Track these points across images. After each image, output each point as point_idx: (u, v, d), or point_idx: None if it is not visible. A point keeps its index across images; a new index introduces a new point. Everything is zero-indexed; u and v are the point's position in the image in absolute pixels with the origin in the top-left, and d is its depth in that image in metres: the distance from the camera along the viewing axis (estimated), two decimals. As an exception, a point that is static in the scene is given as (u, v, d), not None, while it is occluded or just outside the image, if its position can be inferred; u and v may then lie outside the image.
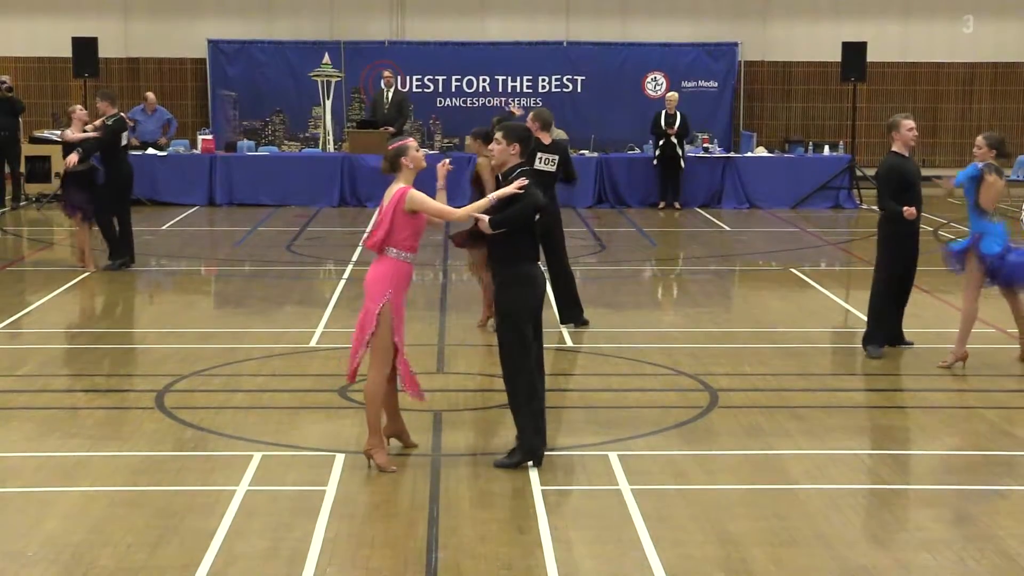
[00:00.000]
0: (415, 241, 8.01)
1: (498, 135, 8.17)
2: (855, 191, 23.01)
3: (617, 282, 15.45)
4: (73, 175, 15.36)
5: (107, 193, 15.54)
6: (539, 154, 11.93)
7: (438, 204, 8.07)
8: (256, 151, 23.22)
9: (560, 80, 25.81)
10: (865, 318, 11.48)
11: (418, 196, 7.92)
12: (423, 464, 8.13)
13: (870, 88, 25.64)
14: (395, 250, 7.96)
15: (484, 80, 25.77)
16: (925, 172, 12.09)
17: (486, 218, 7.91)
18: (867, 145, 25.41)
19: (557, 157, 12.08)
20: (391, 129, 22.27)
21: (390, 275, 7.95)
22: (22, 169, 22.52)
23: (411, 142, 8.09)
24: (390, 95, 23.06)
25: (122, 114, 16.07)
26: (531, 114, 12.32)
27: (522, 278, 8.03)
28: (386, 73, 23.41)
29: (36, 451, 8.44)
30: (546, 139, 12.13)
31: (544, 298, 8.22)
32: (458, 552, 6.74)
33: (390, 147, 8.04)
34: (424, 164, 8.05)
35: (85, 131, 15.57)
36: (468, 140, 12.33)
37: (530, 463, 7.99)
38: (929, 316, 12.68)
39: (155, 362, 11.13)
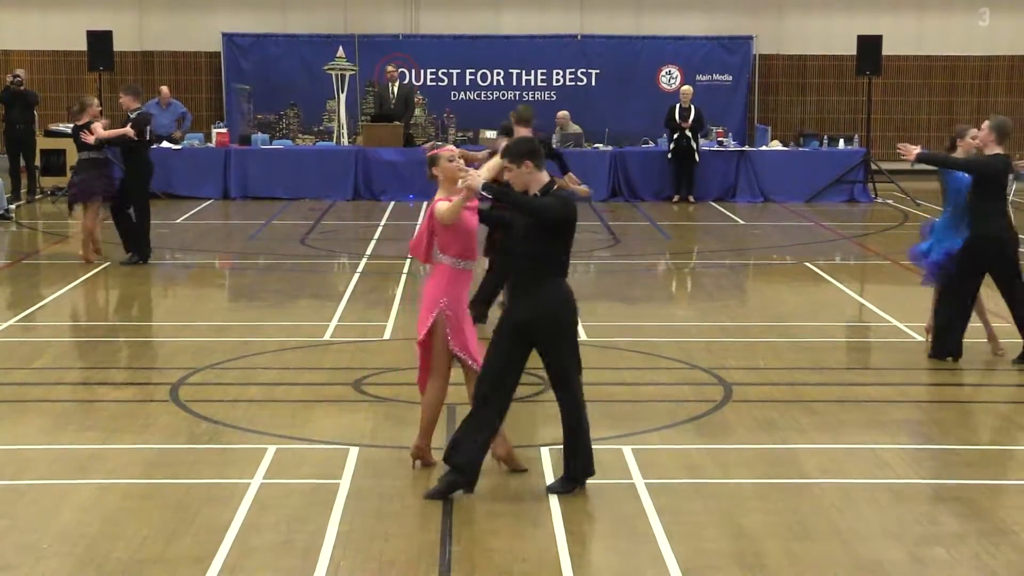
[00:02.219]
0: (465, 247, 7.69)
1: (505, 161, 7.54)
2: (870, 185, 22.96)
3: (631, 276, 15.45)
4: (90, 165, 15.38)
5: (127, 188, 15.57)
6: None
7: (446, 206, 7.57)
8: (270, 144, 23.25)
9: (574, 73, 25.81)
10: (883, 314, 11.46)
11: (444, 210, 7.54)
12: (436, 457, 8.11)
13: (885, 81, 25.58)
14: (447, 257, 7.69)
15: (498, 74, 25.76)
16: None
17: (478, 178, 7.40)
18: (882, 139, 25.35)
19: None
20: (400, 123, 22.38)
21: (443, 284, 7.71)
22: (37, 162, 22.58)
23: (445, 151, 7.78)
24: (395, 89, 23.07)
25: (142, 109, 16.03)
26: (512, 115, 12.28)
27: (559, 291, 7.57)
28: (389, 68, 23.43)
29: (51, 443, 8.47)
30: (521, 135, 11.80)
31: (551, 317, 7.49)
32: (472, 545, 6.76)
33: (427, 153, 7.85)
34: (460, 176, 7.51)
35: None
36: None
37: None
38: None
39: (169, 355, 11.16)
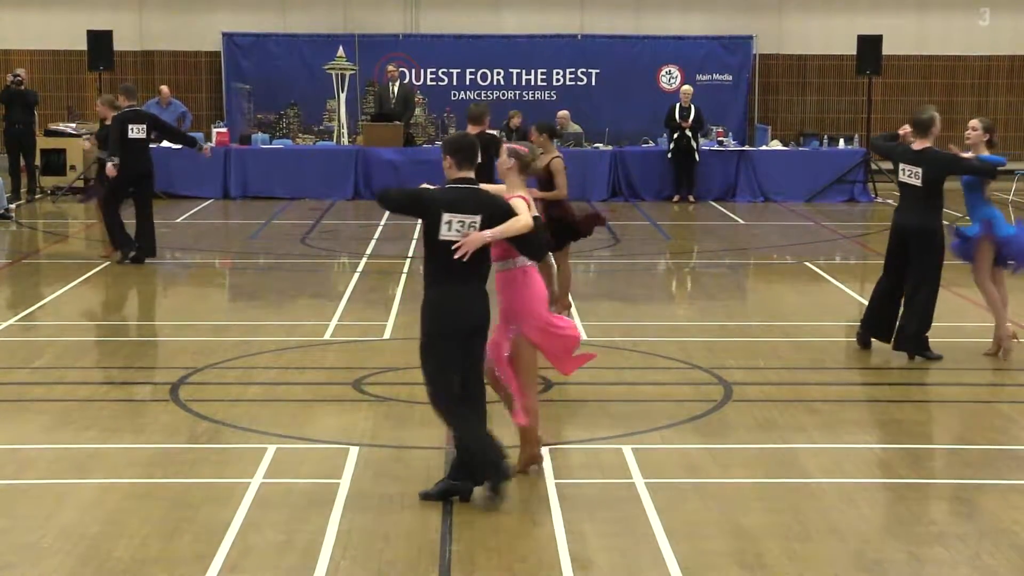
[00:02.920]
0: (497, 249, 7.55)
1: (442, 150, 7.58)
2: (870, 184, 22.97)
3: (631, 275, 15.48)
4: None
5: (110, 184, 15.57)
6: None
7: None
8: (270, 144, 23.28)
9: (574, 73, 25.83)
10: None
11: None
12: (437, 457, 8.14)
13: (885, 81, 25.62)
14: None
15: (499, 73, 25.79)
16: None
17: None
18: (882, 138, 25.38)
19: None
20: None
21: None
22: (37, 162, 22.61)
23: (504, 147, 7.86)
24: (396, 89, 23.10)
25: (136, 108, 15.91)
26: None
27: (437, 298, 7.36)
28: (390, 68, 23.48)
29: (52, 443, 8.49)
30: (473, 131, 11.79)
31: (474, 322, 7.36)
32: (472, 545, 6.77)
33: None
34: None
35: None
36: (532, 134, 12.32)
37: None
38: (944, 310, 12.61)
39: (170, 354, 11.19)
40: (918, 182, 10.71)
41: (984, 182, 10.90)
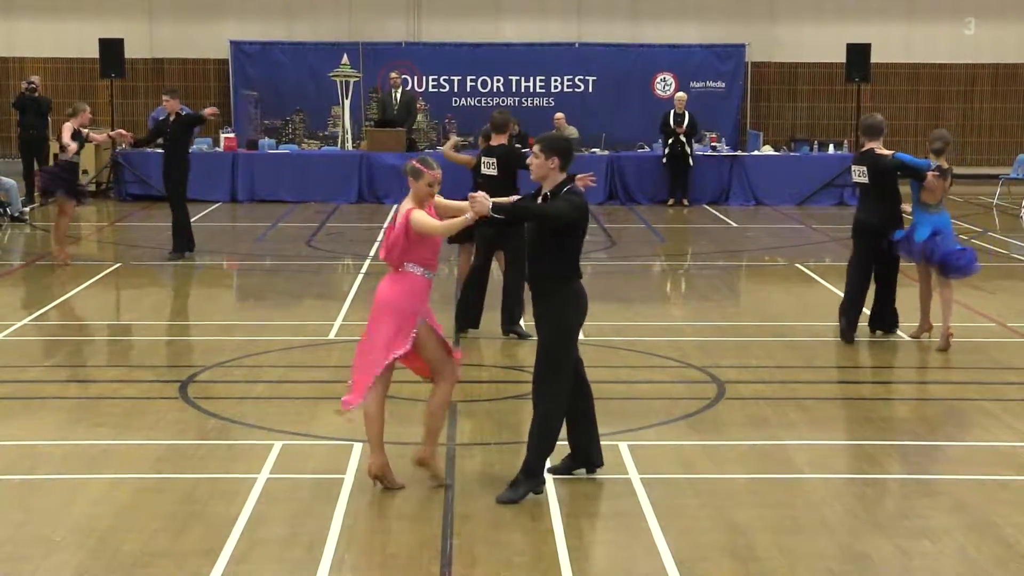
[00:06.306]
0: (434, 258, 7.60)
1: (536, 148, 7.57)
2: (860, 188, 23.15)
3: (627, 277, 15.58)
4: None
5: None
6: (483, 158, 11.95)
7: (442, 223, 7.49)
8: (277, 149, 23.44)
9: (572, 80, 25.99)
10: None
11: (420, 220, 7.43)
12: (438, 453, 8.21)
13: (874, 88, 25.81)
14: (414, 265, 7.62)
15: (498, 80, 25.95)
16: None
17: (486, 203, 7.24)
18: (873, 144, 25.56)
19: (495, 160, 11.80)
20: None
21: (417, 291, 7.63)
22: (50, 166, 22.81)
23: (428, 174, 7.46)
24: (398, 96, 23.27)
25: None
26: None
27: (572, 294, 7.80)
28: (392, 75, 23.63)
29: (64, 439, 8.59)
30: (496, 141, 11.93)
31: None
32: (472, 538, 6.86)
33: (413, 162, 7.57)
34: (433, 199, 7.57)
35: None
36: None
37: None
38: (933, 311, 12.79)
39: (179, 353, 11.31)
40: (866, 180, 11.51)
41: (919, 186, 11.33)
